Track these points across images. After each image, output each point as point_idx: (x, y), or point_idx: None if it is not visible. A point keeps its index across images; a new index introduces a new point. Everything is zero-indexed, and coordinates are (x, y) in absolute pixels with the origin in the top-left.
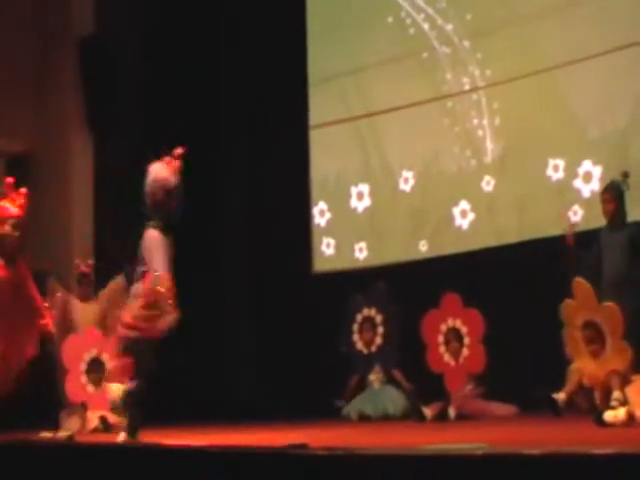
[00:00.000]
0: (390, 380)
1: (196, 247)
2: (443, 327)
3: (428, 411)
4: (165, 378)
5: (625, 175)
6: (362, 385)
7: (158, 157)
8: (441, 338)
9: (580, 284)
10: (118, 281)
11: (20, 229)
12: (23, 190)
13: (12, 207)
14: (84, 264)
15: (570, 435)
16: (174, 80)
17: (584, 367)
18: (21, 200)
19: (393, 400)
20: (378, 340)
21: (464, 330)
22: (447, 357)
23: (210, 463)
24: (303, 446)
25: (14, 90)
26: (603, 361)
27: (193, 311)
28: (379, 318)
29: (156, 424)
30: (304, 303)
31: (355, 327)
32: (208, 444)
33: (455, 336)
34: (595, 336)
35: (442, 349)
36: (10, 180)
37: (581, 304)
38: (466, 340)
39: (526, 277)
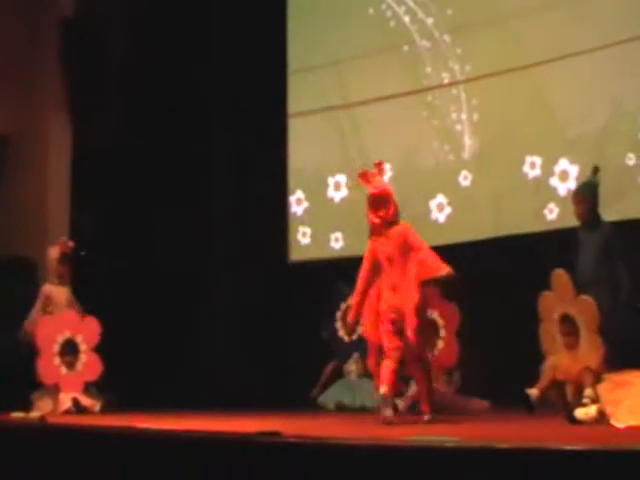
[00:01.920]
0: (367, 371)
1: (175, 236)
2: None
3: (401, 403)
4: (142, 365)
5: (595, 170)
6: (339, 373)
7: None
8: None
9: (559, 276)
10: None
11: None
12: None
13: None
14: (67, 245)
15: (541, 431)
16: (156, 64)
17: (558, 362)
18: None
19: (371, 393)
20: (360, 330)
21: (440, 323)
22: None
23: (182, 448)
24: (276, 434)
25: None
26: (577, 355)
27: (171, 299)
28: None
29: (132, 409)
30: (280, 292)
31: (338, 315)
32: (181, 429)
33: (432, 328)
34: (571, 330)
35: None
36: None
37: (559, 297)
38: (442, 333)
39: (501, 272)
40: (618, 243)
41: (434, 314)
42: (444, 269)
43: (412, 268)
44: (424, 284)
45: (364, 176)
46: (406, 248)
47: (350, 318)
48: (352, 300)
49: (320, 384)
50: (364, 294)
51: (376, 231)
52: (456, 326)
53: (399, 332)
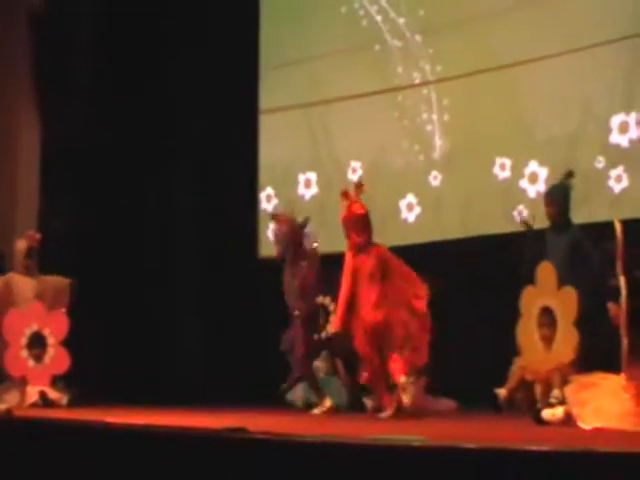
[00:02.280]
0: (334, 370)
1: (144, 231)
2: None
3: (369, 402)
4: (113, 360)
5: (569, 174)
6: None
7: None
8: None
9: (545, 268)
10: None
11: None
12: None
13: None
14: (35, 237)
15: (507, 431)
16: (125, 60)
17: (528, 361)
18: None
19: (338, 391)
20: (329, 328)
21: None
22: None
23: (148, 442)
24: (241, 430)
25: None
26: (550, 351)
27: (141, 295)
28: (333, 306)
29: (99, 403)
30: (250, 288)
31: None
32: (147, 423)
33: None
34: (549, 321)
35: None
36: None
37: (541, 289)
38: None
39: (469, 273)
40: (588, 243)
41: None
42: (424, 289)
43: (397, 286)
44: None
45: (346, 194)
46: (387, 269)
47: (338, 329)
48: (337, 314)
49: (290, 382)
50: (350, 308)
51: (357, 249)
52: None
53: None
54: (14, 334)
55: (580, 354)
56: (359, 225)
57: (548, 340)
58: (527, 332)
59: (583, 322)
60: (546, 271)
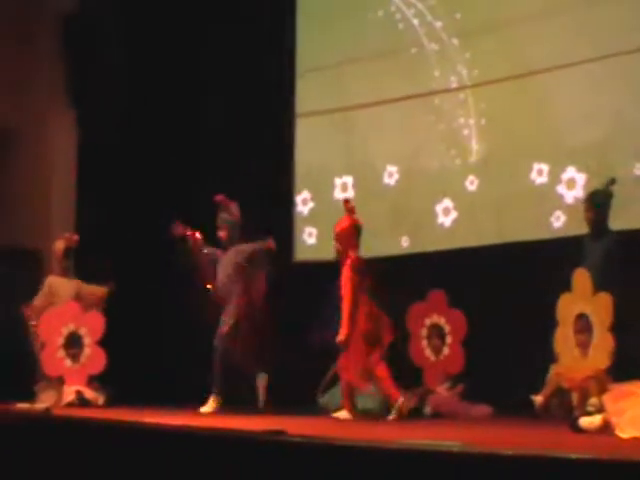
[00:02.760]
0: None
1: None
2: (427, 321)
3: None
4: (152, 361)
5: (611, 182)
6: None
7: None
8: (424, 331)
9: (580, 275)
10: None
11: None
12: None
13: None
14: (72, 239)
15: (544, 438)
16: (158, 58)
17: (564, 369)
18: None
19: (372, 396)
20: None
21: (447, 329)
22: (428, 352)
23: (186, 444)
24: (281, 432)
25: None
26: (586, 357)
27: (176, 296)
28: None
29: (136, 403)
30: (285, 291)
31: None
32: (185, 424)
33: (437, 333)
34: (585, 327)
35: (424, 342)
36: None
37: (577, 296)
38: (448, 339)
39: (505, 279)
40: (619, 252)
41: (441, 320)
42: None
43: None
44: None
45: (350, 206)
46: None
47: (344, 340)
48: (344, 325)
49: (323, 386)
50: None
51: (354, 261)
52: (463, 334)
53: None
54: (51, 334)
55: (615, 361)
56: (357, 237)
57: (584, 346)
58: (564, 339)
59: (619, 329)
60: (581, 277)
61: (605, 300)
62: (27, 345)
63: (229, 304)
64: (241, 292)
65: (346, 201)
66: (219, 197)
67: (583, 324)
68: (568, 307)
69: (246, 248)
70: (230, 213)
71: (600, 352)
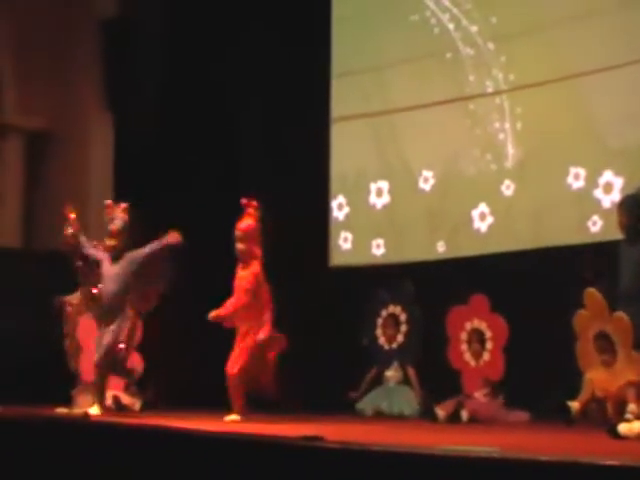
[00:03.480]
0: (406, 379)
1: (214, 238)
2: (468, 325)
3: (441, 412)
4: (185, 367)
5: None
6: (378, 380)
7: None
8: (464, 335)
9: (591, 295)
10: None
11: None
12: None
13: None
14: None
15: (583, 445)
16: (195, 64)
17: (597, 378)
18: None
19: (409, 400)
20: (400, 338)
21: (488, 334)
22: (467, 356)
23: (222, 450)
24: (318, 438)
25: (35, 68)
26: (615, 372)
27: (211, 303)
28: (403, 317)
29: (172, 408)
30: (320, 296)
31: (379, 322)
32: (220, 430)
33: (478, 338)
34: (607, 347)
35: (464, 347)
36: None
37: (593, 315)
38: (489, 345)
39: (542, 284)
40: None
41: (482, 325)
42: None
43: None
44: None
45: (253, 205)
46: None
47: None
48: (268, 322)
49: (361, 390)
50: None
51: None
52: (504, 340)
53: None
54: (88, 339)
55: None
56: (259, 236)
57: (609, 364)
58: (586, 355)
59: None
60: (594, 297)
61: (623, 321)
62: (62, 346)
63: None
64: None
65: (246, 202)
66: (108, 202)
67: (605, 343)
68: (584, 324)
69: (137, 255)
70: (122, 219)
71: (628, 370)
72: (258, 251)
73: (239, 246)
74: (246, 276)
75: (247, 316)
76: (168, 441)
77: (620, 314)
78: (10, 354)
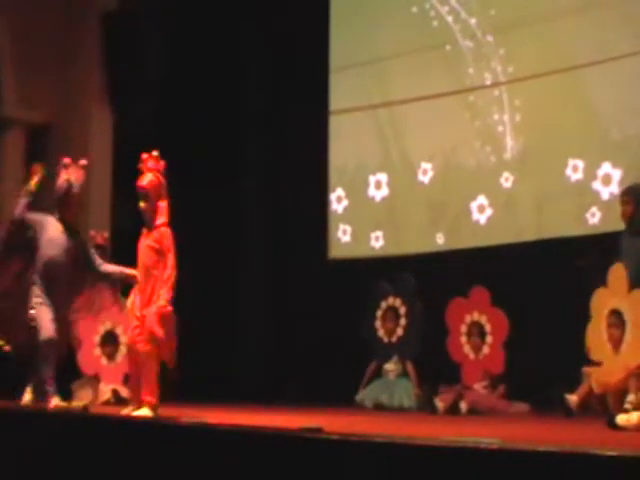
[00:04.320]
0: (405, 371)
1: (213, 231)
2: (467, 318)
3: (440, 403)
4: (185, 359)
5: None
6: (378, 373)
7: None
8: (464, 328)
9: (616, 270)
10: None
11: None
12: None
13: None
14: (100, 236)
15: (582, 436)
16: (195, 57)
17: (597, 372)
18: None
19: (408, 393)
20: (399, 331)
21: (488, 328)
22: (467, 349)
23: (222, 442)
24: (318, 430)
25: (37, 61)
26: (618, 354)
27: (210, 296)
28: (403, 309)
29: (173, 401)
30: (319, 289)
31: (378, 314)
32: (221, 422)
33: (477, 331)
34: (617, 323)
35: (463, 339)
36: None
37: (612, 291)
38: (489, 339)
39: (542, 276)
40: None
41: (482, 319)
42: None
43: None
44: None
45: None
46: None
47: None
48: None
49: (363, 384)
50: None
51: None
52: (505, 334)
53: None
54: (88, 332)
55: None
56: (165, 192)
57: (616, 342)
58: (596, 333)
59: None
60: (618, 272)
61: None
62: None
63: None
64: None
65: (148, 156)
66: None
67: (616, 319)
68: (602, 302)
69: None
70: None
71: (633, 349)
72: (165, 209)
73: (143, 205)
74: (165, 245)
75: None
76: (165, 433)
77: (636, 291)
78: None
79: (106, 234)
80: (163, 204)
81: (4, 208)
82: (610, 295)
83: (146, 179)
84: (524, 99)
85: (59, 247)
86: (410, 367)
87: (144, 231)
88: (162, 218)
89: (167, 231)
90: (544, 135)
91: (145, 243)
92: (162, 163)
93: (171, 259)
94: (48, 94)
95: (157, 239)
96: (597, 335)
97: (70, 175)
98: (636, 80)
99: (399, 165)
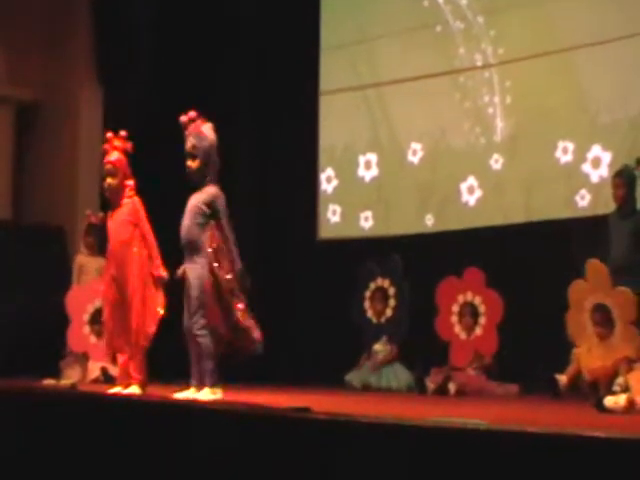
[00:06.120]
0: (393, 353)
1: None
2: (460, 298)
3: (430, 384)
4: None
5: (639, 161)
6: (367, 354)
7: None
8: (456, 307)
9: (594, 265)
10: None
11: None
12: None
13: None
14: (94, 215)
15: (569, 417)
16: (186, 35)
17: (586, 356)
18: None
19: (397, 375)
20: (388, 312)
21: (482, 309)
22: (458, 329)
23: (211, 421)
24: (306, 410)
25: (26, 39)
26: (610, 346)
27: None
28: (392, 290)
29: (163, 380)
30: (309, 269)
31: (367, 295)
32: (210, 400)
33: (470, 311)
34: (604, 320)
35: (454, 319)
36: None
37: (593, 286)
38: (482, 320)
39: (531, 257)
40: None
41: (476, 300)
42: None
43: None
44: None
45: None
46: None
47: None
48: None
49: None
50: None
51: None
52: (499, 316)
53: None
54: (77, 310)
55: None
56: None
57: (604, 338)
58: (578, 325)
59: None
60: (597, 267)
61: (627, 295)
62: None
63: None
64: None
65: (112, 135)
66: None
67: (602, 316)
68: (583, 295)
69: None
70: None
71: (624, 344)
72: (133, 187)
73: (109, 181)
74: (139, 219)
75: None
76: (154, 411)
77: (624, 289)
78: None
79: (101, 214)
80: (130, 182)
81: None
82: (591, 289)
83: (114, 156)
84: (514, 81)
85: None
86: (394, 350)
87: (109, 212)
88: (130, 194)
89: (138, 201)
90: (534, 117)
91: (118, 219)
92: (129, 145)
93: (147, 226)
94: (37, 71)
95: (131, 212)
96: (580, 327)
97: None
98: (626, 63)
99: (389, 145)
